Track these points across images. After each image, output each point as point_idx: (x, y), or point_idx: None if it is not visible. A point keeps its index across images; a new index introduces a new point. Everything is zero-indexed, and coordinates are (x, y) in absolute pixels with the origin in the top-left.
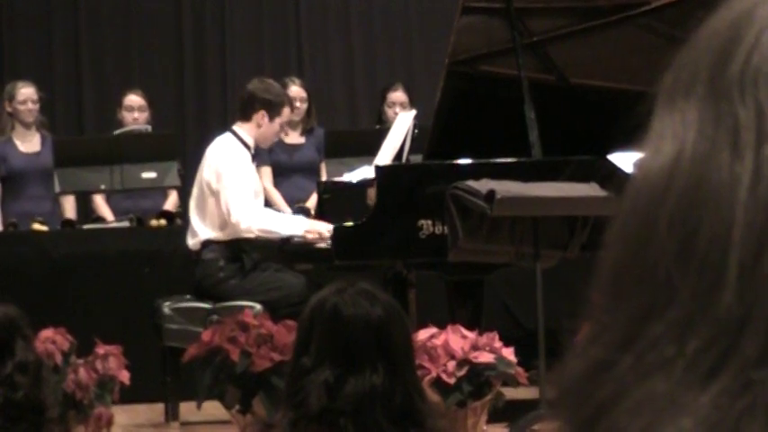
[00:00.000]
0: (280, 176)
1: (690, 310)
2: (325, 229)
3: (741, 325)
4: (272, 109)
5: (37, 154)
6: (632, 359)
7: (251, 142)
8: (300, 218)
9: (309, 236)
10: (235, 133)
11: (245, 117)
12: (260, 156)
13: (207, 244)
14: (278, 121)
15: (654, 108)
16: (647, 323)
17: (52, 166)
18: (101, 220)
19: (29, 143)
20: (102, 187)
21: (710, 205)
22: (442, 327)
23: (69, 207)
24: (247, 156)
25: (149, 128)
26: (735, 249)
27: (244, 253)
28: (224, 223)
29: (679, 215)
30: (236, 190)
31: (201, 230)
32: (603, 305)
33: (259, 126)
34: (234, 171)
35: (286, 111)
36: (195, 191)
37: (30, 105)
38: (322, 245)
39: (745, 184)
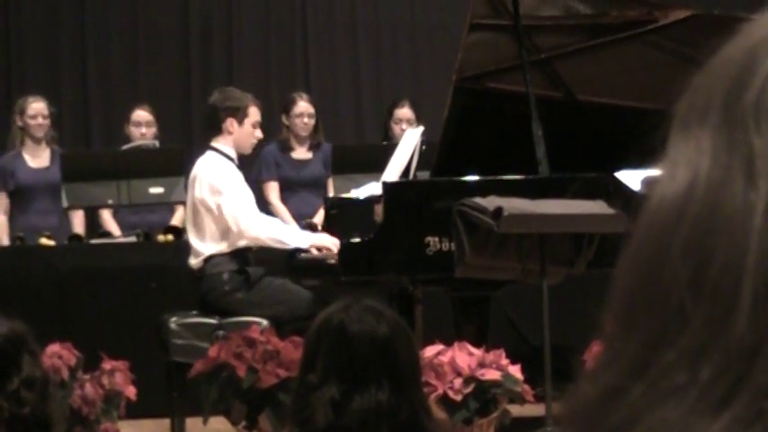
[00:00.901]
0: (287, 191)
1: (702, 337)
2: (332, 242)
3: (754, 353)
4: (237, 113)
5: (46, 169)
6: (644, 386)
7: (232, 154)
8: (306, 232)
9: (315, 251)
10: (215, 149)
11: (217, 130)
12: (267, 171)
13: (210, 259)
14: (248, 122)
15: (666, 132)
16: (660, 350)
17: (60, 181)
18: (108, 234)
19: (38, 158)
20: (110, 202)
21: (724, 233)
22: (448, 343)
23: (78, 222)
24: (233, 168)
25: (157, 143)
26: (748, 277)
27: (248, 265)
28: (224, 234)
29: (693, 242)
30: (239, 200)
31: (202, 248)
32: (616, 331)
33: (231, 134)
34: (230, 182)
35: (253, 110)
36: (189, 213)
37: (40, 120)
38: (331, 261)
39: (759, 212)
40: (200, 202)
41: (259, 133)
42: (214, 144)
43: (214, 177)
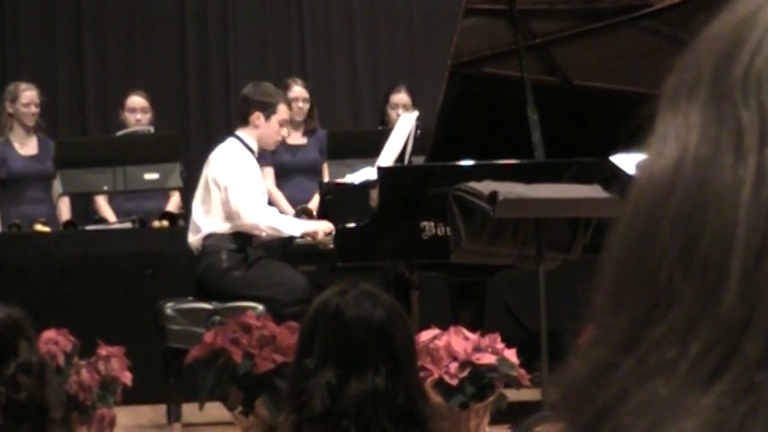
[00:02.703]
0: (282, 177)
1: (692, 312)
2: (322, 227)
3: (743, 327)
4: (266, 108)
5: (35, 157)
6: (634, 361)
7: (254, 146)
8: (301, 220)
9: (309, 237)
10: (238, 138)
11: (244, 121)
12: (263, 157)
13: (210, 237)
14: (275, 119)
15: (657, 110)
16: (649, 325)
17: (50, 169)
18: (103, 221)
19: (27, 146)
20: (105, 188)
21: (713, 207)
22: (444, 328)
23: (65, 209)
24: (251, 158)
25: (152, 129)
26: (737, 251)
27: (248, 245)
28: (229, 216)
29: (682, 217)
30: (244, 187)
31: (205, 225)
32: (606, 307)
33: (257, 127)
34: (240, 169)
35: (282, 108)
36: (200, 190)
37: (33, 108)
38: (330, 245)
39: (747, 187)
40: (212, 180)
41: (284, 132)
42: (238, 133)
43: (228, 161)
